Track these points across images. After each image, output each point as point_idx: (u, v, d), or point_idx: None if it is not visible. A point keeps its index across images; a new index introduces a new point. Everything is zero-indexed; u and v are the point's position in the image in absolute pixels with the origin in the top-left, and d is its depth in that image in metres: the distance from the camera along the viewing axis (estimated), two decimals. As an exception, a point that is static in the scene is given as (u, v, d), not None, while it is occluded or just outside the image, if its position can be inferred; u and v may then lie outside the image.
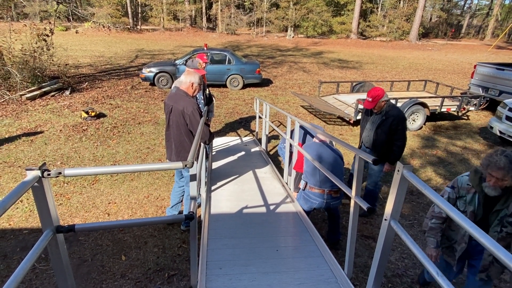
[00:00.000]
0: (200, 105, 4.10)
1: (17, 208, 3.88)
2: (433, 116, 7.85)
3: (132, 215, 3.90)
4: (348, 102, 7.92)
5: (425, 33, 36.60)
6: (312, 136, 3.82)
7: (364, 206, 1.89)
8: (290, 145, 3.91)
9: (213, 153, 5.12)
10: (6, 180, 4.50)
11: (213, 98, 4.64)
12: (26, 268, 1.13)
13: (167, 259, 3.17)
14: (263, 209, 3.32)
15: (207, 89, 4.41)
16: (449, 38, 36.47)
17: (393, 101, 7.15)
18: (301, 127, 3.79)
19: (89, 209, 3.97)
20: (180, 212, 3.74)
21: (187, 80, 3.13)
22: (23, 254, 3.14)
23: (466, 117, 8.55)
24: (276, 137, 6.77)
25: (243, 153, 5.24)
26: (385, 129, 3.55)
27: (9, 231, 3.50)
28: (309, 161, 3.06)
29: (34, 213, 3.78)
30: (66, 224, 1.40)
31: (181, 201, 3.66)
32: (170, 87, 3.40)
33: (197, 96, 4.08)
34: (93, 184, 4.53)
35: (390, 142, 3.61)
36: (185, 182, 3.50)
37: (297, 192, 3.44)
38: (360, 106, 6.90)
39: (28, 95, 8.14)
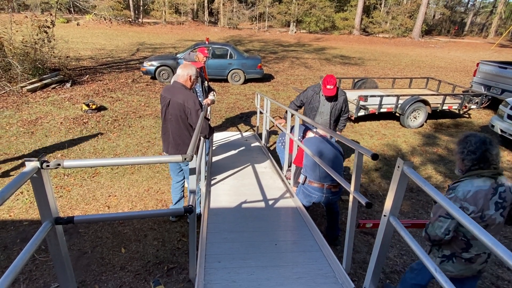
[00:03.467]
0: (200, 99, 4.09)
1: (18, 199, 3.89)
2: (434, 114, 7.83)
3: (132, 208, 3.91)
4: (349, 99, 7.89)
5: (428, 30, 36.37)
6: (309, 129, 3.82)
7: (363, 201, 1.89)
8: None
9: (214, 148, 5.12)
10: (7, 172, 4.51)
11: (214, 91, 4.63)
12: (25, 259, 1.14)
13: (167, 252, 3.18)
14: (263, 204, 3.32)
15: (206, 82, 4.40)
16: (452, 36, 36.24)
17: (394, 98, 7.15)
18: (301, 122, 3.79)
19: (89, 202, 3.98)
20: None
21: (185, 73, 3.11)
22: (23, 245, 3.16)
23: (467, 115, 8.53)
24: (277, 132, 6.76)
25: (243, 148, 5.23)
26: (338, 108, 4.13)
27: (9, 222, 3.51)
28: (309, 156, 3.05)
29: (35, 204, 3.79)
30: (65, 216, 1.41)
31: (183, 196, 3.66)
32: (171, 81, 3.40)
33: (196, 89, 4.07)
34: (93, 177, 4.54)
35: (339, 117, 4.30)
36: (186, 176, 3.50)
37: (297, 186, 3.44)
38: (362, 103, 6.89)
39: (29, 87, 8.13)
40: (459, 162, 2.00)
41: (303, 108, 4.41)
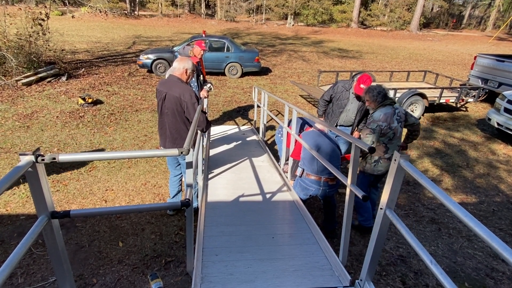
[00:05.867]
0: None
1: (14, 193, 3.88)
2: (431, 107, 7.84)
3: (129, 202, 3.91)
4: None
5: (426, 23, 36.21)
6: (310, 125, 3.82)
7: (360, 194, 1.90)
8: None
9: (211, 142, 5.11)
10: (3, 166, 4.49)
11: (211, 84, 4.62)
12: (22, 253, 1.13)
13: (164, 246, 3.19)
14: (260, 197, 3.33)
15: (201, 76, 4.38)
16: (450, 29, 36.14)
17: (392, 92, 7.15)
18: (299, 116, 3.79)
19: (86, 196, 3.98)
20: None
21: (181, 66, 3.08)
22: (20, 239, 3.14)
23: (464, 109, 8.55)
24: (274, 126, 6.75)
25: (240, 141, 5.23)
26: (365, 109, 4.10)
27: (6, 216, 3.50)
28: (307, 149, 3.06)
29: (31, 199, 3.78)
30: (61, 210, 1.40)
31: (181, 190, 3.66)
32: (166, 75, 3.39)
33: (191, 84, 4.05)
34: (90, 171, 4.53)
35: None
36: (182, 170, 3.49)
37: (294, 180, 3.45)
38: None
39: (24, 81, 8.05)
40: (373, 104, 3.19)
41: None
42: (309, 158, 3.08)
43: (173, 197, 3.62)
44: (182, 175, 3.58)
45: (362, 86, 3.82)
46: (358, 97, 4.05)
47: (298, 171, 3.22)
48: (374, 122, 3.07)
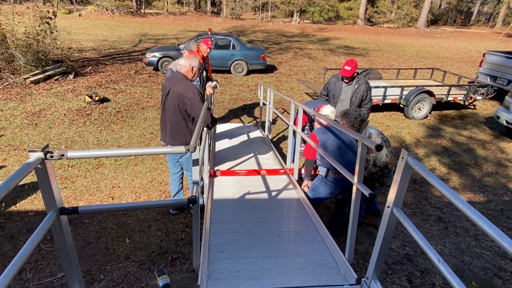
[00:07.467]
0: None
1: (23, 190, 3.93)
2: (439, 105, 7.75)
3: (136, 199, 3.94)
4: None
5: (434, 20, 35.74)
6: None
7: (366, 192, 1.89)
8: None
9: (216, 139, 5.12)
10: (12, 163, 4.55)
11: (216, 82, 4.62)
12: (31, 248, 1.15)
13: (170, 243, 3.21)
14: (266, 195, 3.33)
15: (204, 72, 4.38)
16: (458, 26, 35.63)
17: (398, 89, 7.08)
18: (305, 112, 3.77)
19: (93, 193, 4.01)
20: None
21: (187, 63, 3.08)
22: (29, 235, 3.20)
23: (472, 107, 8.44)
24: (280, 124, 6.74)
25: (246, 139, 5.23)
26: (359, 96, 4.15)
27: (15, 213, 3.56)
28: (329, 149, 2.98)
29: (40, 195, 3.83)
30: (70, 206, 1.42)
31: (182, 188, 3.66)
32: (167, 70, 3.38)
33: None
34: (97, 168, 4.57)
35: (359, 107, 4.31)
36: (184, 168, 3.48)
37: (310, 179, 3.36)
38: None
39: (32, 79, 8.14)
40: (351, 128, 3.13)
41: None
42: (333, 157, 2.97)
43: (174, 195, 3.63)
44: (182, 173, 3.58)
45: (346, 67, 3.99)
46: (347, 80, 4.16)
47: (322, 171, 3.10)
48: (377, 137, 3.18)
